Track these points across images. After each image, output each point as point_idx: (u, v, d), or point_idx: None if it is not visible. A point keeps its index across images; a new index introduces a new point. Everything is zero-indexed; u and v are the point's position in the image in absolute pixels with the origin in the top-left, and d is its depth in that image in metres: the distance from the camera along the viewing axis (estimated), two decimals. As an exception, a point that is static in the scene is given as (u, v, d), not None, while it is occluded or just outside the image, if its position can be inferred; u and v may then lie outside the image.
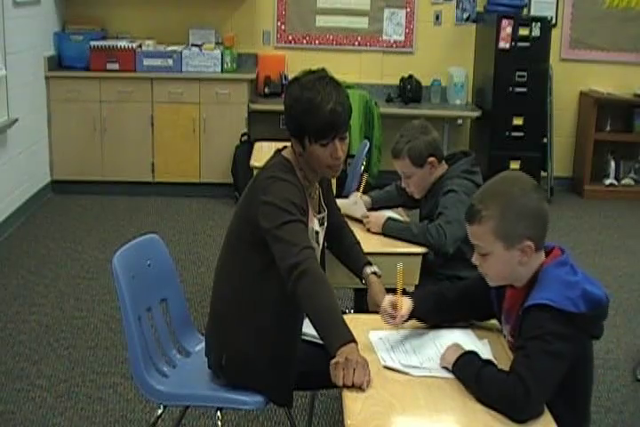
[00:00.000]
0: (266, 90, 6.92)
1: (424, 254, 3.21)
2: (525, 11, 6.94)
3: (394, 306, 2.33)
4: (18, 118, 5.75)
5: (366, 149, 4.91)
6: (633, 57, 7.20)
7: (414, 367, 2.16)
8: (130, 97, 6.55)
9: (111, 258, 2.53)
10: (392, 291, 2.41)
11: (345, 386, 2.05)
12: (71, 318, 4.37)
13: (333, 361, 2.10)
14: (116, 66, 6.52)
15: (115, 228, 5.86)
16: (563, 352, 2.01)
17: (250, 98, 6.71)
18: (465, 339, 2.30)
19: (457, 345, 2.19)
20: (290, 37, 7.12)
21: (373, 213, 3.43)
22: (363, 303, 3.34)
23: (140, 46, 6.64)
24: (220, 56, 6.65)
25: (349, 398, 2.01)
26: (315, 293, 2.29)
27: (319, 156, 2.52)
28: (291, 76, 2.84)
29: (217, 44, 6.83)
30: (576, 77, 7.19)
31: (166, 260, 2.80)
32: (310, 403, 3.26)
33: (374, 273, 2.83)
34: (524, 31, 6.56)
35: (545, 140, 6.97)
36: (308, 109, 2.46)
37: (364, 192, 3.60)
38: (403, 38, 7.13)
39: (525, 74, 6.60)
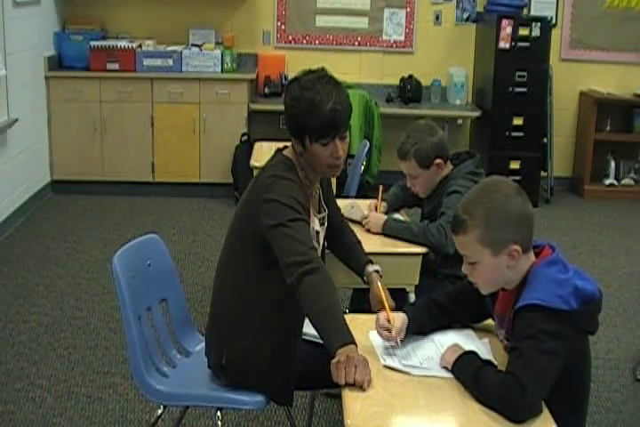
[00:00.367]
0: (266, 90, 6.91)
1: (424, 254, 3.22)
2: (525, 11, 6.95)
3: (388, 322, 2.31)
4: (18, 118, 5.75)
5: (366, 149, 4.90)
6: (633, 57, 7.20)
7: (414, 367, 2.16)
8: (130, 97, 6.54)
9: (111, 258, 2.53)
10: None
11: (347, 384, 2.05)
12: (71, 318, 4.37)
13: (334, 360, 2.10)
14: (115, 66, 6.51)
15: (115, 228, 5.85)
16: (557, 350, 2.01)
17: (250, 98, 6.71)
18: (465, 339, 2.30)
19: (457, 345, 2.20)
20: (290, 37, 7.12)
21: (373, 214, 3.43)
22: (360, 303, 3.34)
23: (140, 46, 6.64)
24: (220, 56, 6.65)
25: (349, 398, 2.01)
26: (319, 290, 2.29)
27: (320, 155, 2.52)
28: (291, 76, 2.84)
29: (217, 44, 6.83)
30: (576, 77, 7.20)
31: (166, 260, 2.80)
32: (310, 403, 3.26)
33: (376, 271, 2.83)
34: (523, 31, 6.56)
35: (545, 140, 6.97)
36: (309, 109, 2.46)
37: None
38: (403, 38, 7.13)
39: (525, 74, 6.60)
